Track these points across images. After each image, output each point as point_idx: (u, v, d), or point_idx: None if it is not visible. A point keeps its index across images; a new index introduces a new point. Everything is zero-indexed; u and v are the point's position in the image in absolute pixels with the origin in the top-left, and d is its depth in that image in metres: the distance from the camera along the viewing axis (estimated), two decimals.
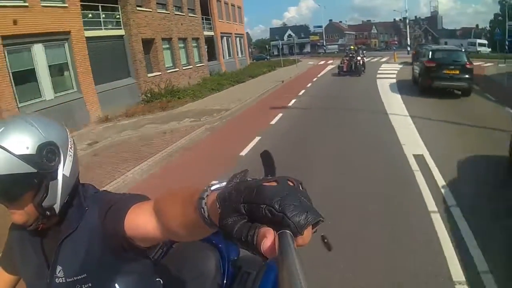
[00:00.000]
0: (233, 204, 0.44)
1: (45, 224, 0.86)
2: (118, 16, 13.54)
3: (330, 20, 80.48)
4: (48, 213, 0.84)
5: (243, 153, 6.33)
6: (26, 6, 9.32)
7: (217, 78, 18.84)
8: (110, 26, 13.36)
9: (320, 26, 67.19)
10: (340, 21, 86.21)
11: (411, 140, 6.18)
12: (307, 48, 69.52)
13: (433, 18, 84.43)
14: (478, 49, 38.94)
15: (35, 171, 0.79)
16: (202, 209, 0.53)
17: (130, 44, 13.76)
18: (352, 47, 23.02)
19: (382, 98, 10.98)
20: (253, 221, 0.43)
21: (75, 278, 0.83)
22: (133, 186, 5.31)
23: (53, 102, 10.19)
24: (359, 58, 18.13)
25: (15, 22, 8.97)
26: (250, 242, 0.41)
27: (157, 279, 1.02)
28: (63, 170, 0.85)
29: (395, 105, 9.63)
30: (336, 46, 66.29)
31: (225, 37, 25.21)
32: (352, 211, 3.78)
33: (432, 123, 7.37)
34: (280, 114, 9.45)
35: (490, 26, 60.26)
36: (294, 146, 6.63)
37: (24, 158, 0.77)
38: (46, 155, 0.81)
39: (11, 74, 8.95)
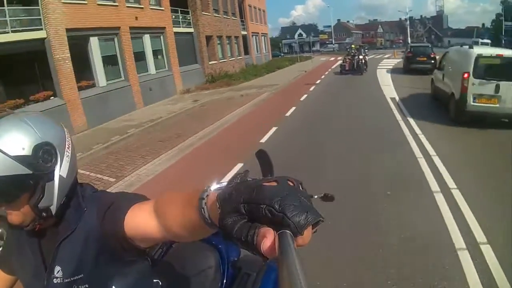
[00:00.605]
0: (233, 204, 0.45)
1: (42, 224, 0.85)
2: (189, 18, 18.42)
3: (338, 20, 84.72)
4: (45, 214, 0.82)
5: (301, 99, 11.69)
6: (142, 8, 13.72)
7: (253, 68, 23.80)
8: (185, 25, 18.10)
9: (329, 26, 71.90)
10: (348, 21, 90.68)
11: (390, 93, 11.56)
12: (317, 46, 72.61)
13: (438, 17, 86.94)
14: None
15: (31, 172, 0.76)
16: (202, 209, 0.54)
17: (198, 39, 18.68)
18: (353, 46, 23.18)
19: (378, 77, 16.37)
20: (253, 221, 0.43)
21: (72, 279, 0.83)
22: (240, 116, 10.02)
23: (155, 76, 14.66)
24: (361, 57, 18.11)
25: (136, 18, 13.07)
26: (250, 242, 0.42)
27: (155, 281, 1.00)
28: (60, 171, 0.82)
29: (385, 80, 15.02)
30: (337, 45, 69.45)
31: (254, 36, 30.06)
32: (357, 98, 9.14)
33: (404, 86, 12.65)
34: (313, 87, 14.74)
35: (492, 26, 63.70)
36: (325, 98, 12.02)
37: (19, 159, 0.74)
38: (42, 156, 0.78)
39: (132, 54, 12.99)
